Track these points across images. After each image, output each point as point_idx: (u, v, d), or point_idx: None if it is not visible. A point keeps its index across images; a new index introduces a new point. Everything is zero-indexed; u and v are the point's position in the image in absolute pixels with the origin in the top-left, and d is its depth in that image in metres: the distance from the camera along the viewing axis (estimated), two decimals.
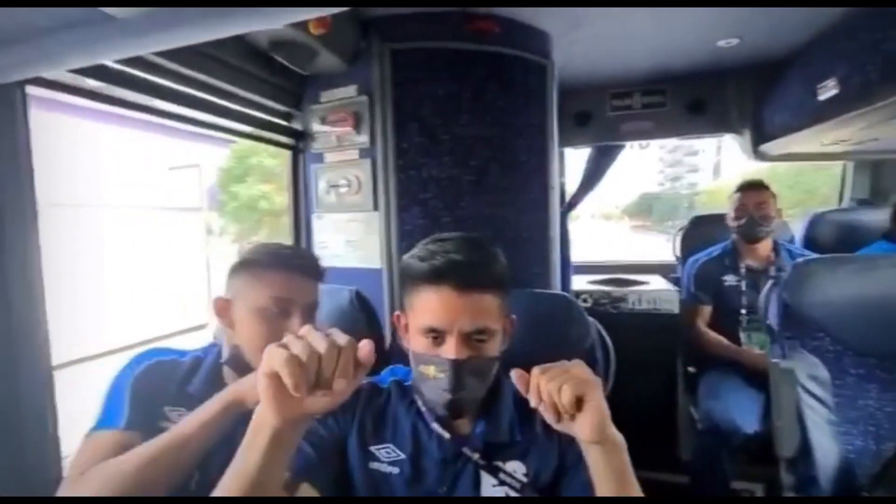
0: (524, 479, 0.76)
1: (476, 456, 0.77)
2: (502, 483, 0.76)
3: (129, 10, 0.67)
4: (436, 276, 0.72)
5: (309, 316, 0.89)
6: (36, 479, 0.85)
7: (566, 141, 2.41)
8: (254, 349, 0.82)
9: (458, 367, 0.71)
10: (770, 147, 2.01)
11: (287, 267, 0.87)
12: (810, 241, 2.18)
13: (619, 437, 0.63)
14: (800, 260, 1.28)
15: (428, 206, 1.47)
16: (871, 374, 1.21)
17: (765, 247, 1.84)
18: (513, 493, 0.75)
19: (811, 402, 1.20)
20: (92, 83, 1.00)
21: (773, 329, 1.28)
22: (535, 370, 0.62)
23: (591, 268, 2.66)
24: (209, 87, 1.26)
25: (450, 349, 0.71)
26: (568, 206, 2.57)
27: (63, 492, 0.69)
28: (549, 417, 0.62)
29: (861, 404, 1.20)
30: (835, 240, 2.17)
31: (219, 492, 0.54)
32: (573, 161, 2.72)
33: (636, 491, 0.64)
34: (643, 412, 1.92)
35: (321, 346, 0.50)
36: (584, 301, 1.89)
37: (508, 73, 1.45)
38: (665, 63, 1.96)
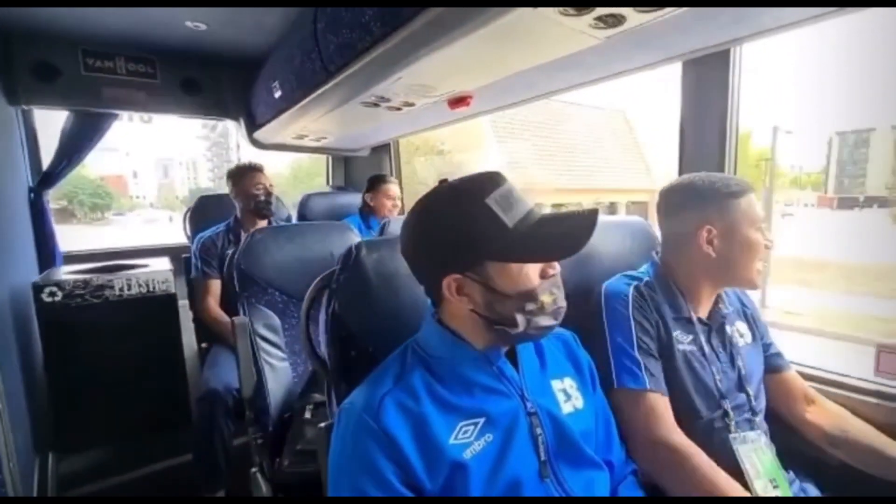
0: None
1: None
2: None
3: None
4: None
5: None
6: None
7: (28, 99, 1.89)
8: None
9: None
10: (260, 135, 2.28)
11: None
12: (302, 217, 2.63)
13: None
14: (253, 230, 1.52)
15: None
16: None
17: (263, 223, 2.05)
18: None
19: (266, 347, 1.45)
20: None
21: (235, 291, 1.46)
22: None
23: (91, 256, 2.25)
24: None
25: None
26: (43, 181, 2.04)
27: None
28: None
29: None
30: (320, 215, 2.71)
31: None
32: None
33: None
34: (154, 401, 1.81)
35: None
36: (52, 295, 1.55)
37: None
38: (147, 31, 1.82)
